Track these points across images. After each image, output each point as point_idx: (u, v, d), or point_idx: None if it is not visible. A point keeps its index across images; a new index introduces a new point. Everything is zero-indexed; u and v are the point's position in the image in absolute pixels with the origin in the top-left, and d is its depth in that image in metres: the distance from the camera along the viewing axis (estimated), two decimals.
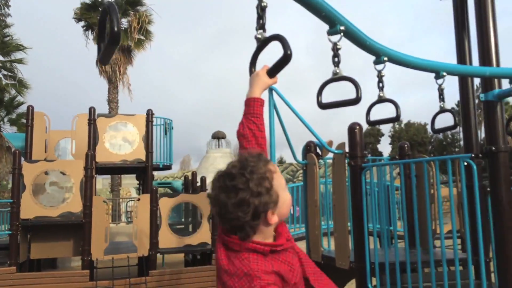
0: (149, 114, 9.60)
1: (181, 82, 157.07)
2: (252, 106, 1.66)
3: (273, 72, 1.68)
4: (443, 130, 3.17)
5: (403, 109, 2.47)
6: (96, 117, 9.26)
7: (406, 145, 4.68)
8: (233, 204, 1.35)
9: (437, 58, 3.59)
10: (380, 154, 46.80)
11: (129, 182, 31.89)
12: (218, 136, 20.26)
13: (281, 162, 44.89)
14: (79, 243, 7.98)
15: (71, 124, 9.52)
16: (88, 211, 7.69)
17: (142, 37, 21.72)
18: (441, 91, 2.48)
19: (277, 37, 1.63)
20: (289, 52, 1.55)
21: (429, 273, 3.34)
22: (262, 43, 1.68)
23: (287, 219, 8.30)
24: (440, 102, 2.49)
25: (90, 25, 21.62)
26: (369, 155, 48.77)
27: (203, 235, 8.33)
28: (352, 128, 3.60)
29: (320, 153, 4.38)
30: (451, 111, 2.57)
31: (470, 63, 3.50)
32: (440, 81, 2.45)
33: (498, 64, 2.89)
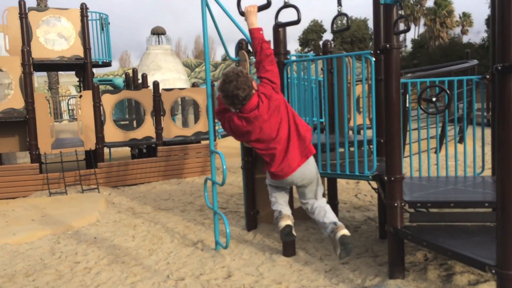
0: (83, 9, 9.31)
1: None
2: None
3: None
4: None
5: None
6: (27, 11, 8.89)
7: (329, 43, 5.18)
8: None
9: None
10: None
11: (67, 81, 30.77)
12: (157, 32, 19.63)
13: (225, 59, 44.74)
14: (24, 139, 8.19)
15: (1, 18, 9.09)
16: (31, 107, 7.81)
17: None
18: None
19: None
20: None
21: (340, 152, 4.07)
22: None
23: None
24: (338, 6, 2.94)
25: None
26: (312, 51, 49.31)
27: (148, 129, 8.79)
28: (276, 28, 4.01)
29: (251, 50, 4.79)
30: (346, 14, 3.03)
31: None
32: None
33: None
